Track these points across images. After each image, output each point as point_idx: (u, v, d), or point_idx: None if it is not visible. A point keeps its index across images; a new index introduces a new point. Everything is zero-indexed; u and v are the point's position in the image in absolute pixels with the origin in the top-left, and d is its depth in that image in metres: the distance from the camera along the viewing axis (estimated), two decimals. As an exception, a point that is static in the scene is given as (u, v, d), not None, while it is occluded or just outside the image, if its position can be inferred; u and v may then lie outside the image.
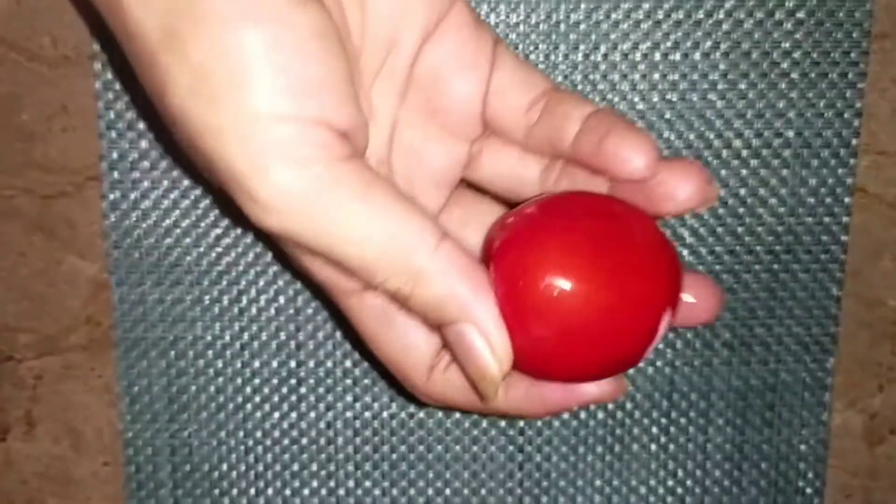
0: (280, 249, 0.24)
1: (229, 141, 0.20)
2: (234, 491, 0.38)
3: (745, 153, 0.36)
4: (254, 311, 0.37)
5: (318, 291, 0.35)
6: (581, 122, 0.25)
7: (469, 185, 0.29)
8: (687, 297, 0.25)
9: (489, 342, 0.22)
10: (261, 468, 0.38)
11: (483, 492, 0.39)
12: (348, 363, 0.37)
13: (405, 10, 0.23)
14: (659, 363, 0.38)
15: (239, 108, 0.19)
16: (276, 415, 0.38)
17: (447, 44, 0.24)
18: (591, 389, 0.25)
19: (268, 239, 0.29)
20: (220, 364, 0.37)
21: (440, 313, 0.22)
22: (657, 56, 0.36)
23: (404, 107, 0.25)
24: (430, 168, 0.26)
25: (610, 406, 0.38)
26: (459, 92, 0.25)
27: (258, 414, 0.37)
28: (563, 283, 0.22)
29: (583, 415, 0.38)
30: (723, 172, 0.37)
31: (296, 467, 0.38)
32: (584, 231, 0.23)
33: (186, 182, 0.36)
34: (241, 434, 0.38)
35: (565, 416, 0.38)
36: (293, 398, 0.38)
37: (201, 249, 0.36)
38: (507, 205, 0.28)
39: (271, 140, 0.19)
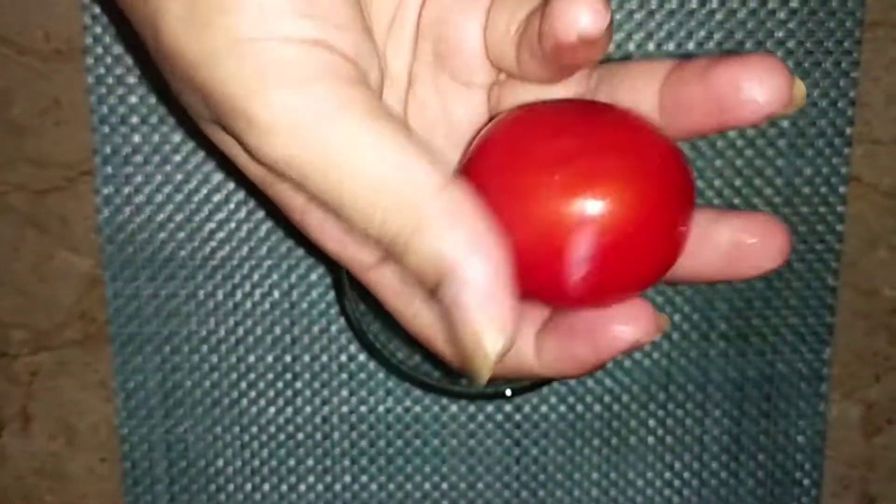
0: (293, 225, 0.23)
1: (225, 66, 0.19)
2: (231, 486, 0.38)
3: (739, 143, 0.36)
4: (249, 305, 0.37)
5: (319, 285, 0.35)
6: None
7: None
8: (747, 237, 0.22)
9: (489, 310, 0.18)
10: (257, 463, 0.38)
11: (480, 485, 0.39)
12: (343, 358, 0.37)
13: None
14: (655, 355, 0.38)
15: (234, 31, 0.18)
16: (272, 410, 0.37)
17: None
18: (625, 334, 0.22)
19: (278, 214, 0.26)
20: (215, 359, 0.37)
21: (437, 265, 0.19)
22: (651, 46, 0.36)
23: (416, 62, 0.24)
24: (448, 124, 0.24)
25: (606, 398, 0.38)
26: (463, 31, 0.23)
27: (254, 409, 0.37)
28: (572, 197, 0.20)
29: (579, 407, 0.38)
30: (717, 162, 0.36)
31: (292, 462, 0.38)
32: (585, 134, 0.20)
33: (180, 176, 0.36)
34: (237, 429, 0.37)
35: (561, 408, 0.38)
36: (289, 393, 0.37)
37: (195, 244, 0.36)
38: None
39: (270, 60, 0.18)
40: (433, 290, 0.19)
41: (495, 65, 0.24)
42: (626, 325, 0.22)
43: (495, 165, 0.21)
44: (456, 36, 0.23)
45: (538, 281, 0.21)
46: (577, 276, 0.20)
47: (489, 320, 0.18)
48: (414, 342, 0.24)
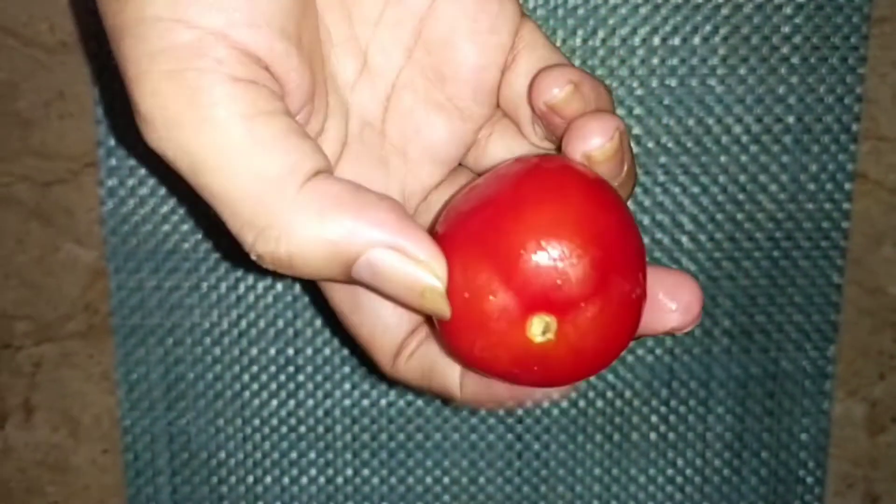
0: None
1: (126, 43, 0.18)
2: (233, 479, 0.38)
3: (744, 139, 0.36)
4: (251, 298, 0.37)
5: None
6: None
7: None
8: (666, 301, 0.21)
9: (407, 253, 0.18)
10: (259, 456, 0.38)
11: (481, 480, 0.38)
12: (346, 351, 0.37)
13: None
14: (658, 351, 0.38)
15: (145, 7, 0.18)
16: (274, 403, 0.37)
17: (464, 3, 0.22)
18: (539, 392, 0.22)
19: None
20: (217, 351, 0.37)
21: (337, 259, 0.18)
22: (656, 41, 0.35)
23: (409, 67, 0.23)
24: (427, 139, 0.23)
25: (609, 394, 0.38)
26: (473, 60, 0.22)
27: (256, 402, 0.37)
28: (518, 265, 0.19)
29: (581, 403, 0.38)
30: (722, 158, 0.36)
31: (294, 455, 0.38)
32: (540, 207, 0.20)
33: (183, 168, 0.36)
34: (239, 422, 0.38)
35: (564, 404, 0.38)
36: (291, 386, 0.37)
37: (199, 236, 0.36)
38: None
39: (164, 45, 0.18)
40: (348, 279, 0.19)
41: (503, 108, 0.23)
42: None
43: (462, 239, 0.20)
44: (464, 64, 0.22)
45: (482, 359, 0.21)
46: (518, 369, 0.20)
47: (414, 265, 0.18)
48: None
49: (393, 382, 0.23)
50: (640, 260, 0.21)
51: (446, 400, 0.24)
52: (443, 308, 0.19)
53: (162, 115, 0.18)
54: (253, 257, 0.19)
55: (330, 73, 0.22)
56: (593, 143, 0.21)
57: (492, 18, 0.22)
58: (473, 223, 0.20)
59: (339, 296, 0.23)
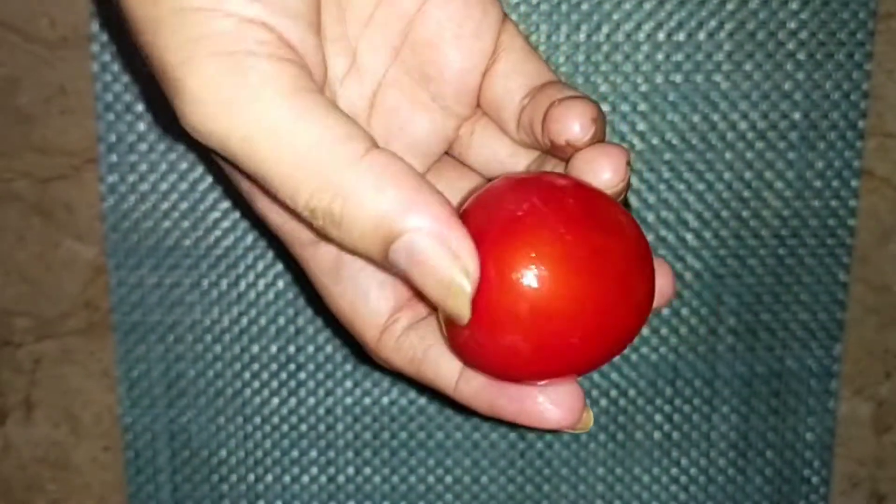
0: (249, 206, 0.23)
1: (165, 33, 0.19)
2: (233, 477, 0.38)
3: (750, 135, 0.36)
4: (252, 295, 0.36)
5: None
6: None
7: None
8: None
9: (449, 247, 0.19)
10: (259, 454, 0.38)
11: (484, 479, 0.38)
12: (348, 349, 0.37)
13: None
14: (662, 350, 0.37)
15: (179, 0, 0.19)
16: (275, 400, 0.37)
17: (450, 8, 0.23)
18: (551, 416, 0.22)
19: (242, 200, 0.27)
20: (218, 349, 0.37)
21: (381, 229, 0.19)
22: (661, 36, 0.35)
23: (396, 66, 0.24)
24: (410, 136, 0.24)
25: (613, 393, 0.38)
26: (457, 63, 0.23)
27: (257, 399, 0.37)
28: (537, 278, 0.19)
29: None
30: (727, 155, 0.36)
31: (295, 454, 0.38)
32: (556, 219, 0.20)
33: (185, 165, 0.35)
34: (240, 420, 0.37)
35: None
36: (292, 383, 0.37)
37: (199, 233, 0.36)
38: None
39: (208, 31, 0.19)
40: (382, 257, 0.19)
41: (484, 108, 0.24)
42: (554, 407, 0.22)
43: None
44: (448, 65, 0.23)
45: (481, 352, 0.21)
46: (522, 356, 0.20)
47: (451, 260, 0.19)
48: None
49: (376, 363, 0.24)
50: (643, 256, 0.21)
51: (435, 391, 0.24)
52: (465, 311, 0.19)
53: (214, 95, 0.19)
54: (304, 213, 0.19)
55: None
56: (604, 178, 0.22)
57: (475, 24, 0.23)
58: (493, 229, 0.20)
59: (321, 265, 0.23)
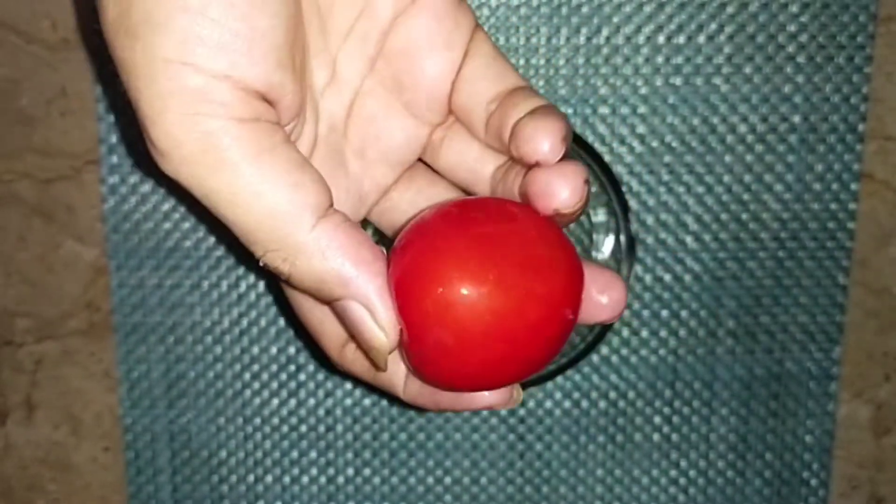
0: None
1: (139, 80, 0.20)
2: (233, 478, 0.38)
3: (749, 138, 0.36)
4: (252, 296, 0.37)
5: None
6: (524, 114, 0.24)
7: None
8: (600, 296, 0.24)
9: (374, 316, 0.22)
10: (259, 455, 0.38)
11: (483, 480, 0.38)
12: (348, 350, 0.37)
13: None
14: (662, 352, 0.37)
15: (152, 48, 0.20)
16: (275, 401, 0.37)
17: (423, 20, 0.24)
18: (483, 398, 0.25)
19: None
20: (218, 350, 0.37)
21: (323, 290, 0.22)
22: (661, 39, 0.35)
23: (372, 76, 0.25)
24: (385, 143, 0.25)
25: (612, 394, 0.38)
26: (429, 72, 0.24)
27: (257, 400, 0.37)
28: (458, 291, 0.22)
29: (584, 403, 0.38)
30: (727, 158, 0.36)
31: (295, 454, 0.38)
32: (480, 237, 0.22)
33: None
34: (241, 420, 0.37)
35: (566, 404, 0.38)
36: (292, 384, 0.37)
37: (200, 234, 0.36)
38: (463, 192, 0.27)
39: (174, 88, 0.20)
40: (328, 303, 0.23)
41: (455, 114, 0.25)
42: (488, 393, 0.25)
43: (413, 258, 0.23)
44: (421, 75, 0.24)
45: (418, 362, 0.23)
46: (448, 365, 0.23)
47: (378, 327, 0.22)
48: None
49: (341, 373, 0.26)
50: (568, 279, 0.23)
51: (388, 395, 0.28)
52: (382, 364, 0.23)
53: (178, 153, 0.20)
54: (260, 263, 0.22)
55: (307, 82, 0.24)
56: (563, 198, 0.23)
57: (447, 35, 0.24)
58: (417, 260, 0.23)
59: (292, 290, 0.25)
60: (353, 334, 0.23)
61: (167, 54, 0.20)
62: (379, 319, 0.22)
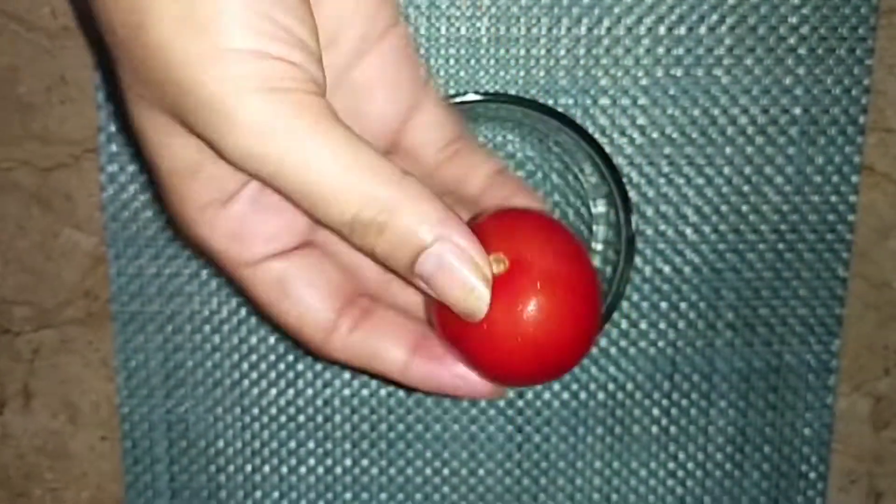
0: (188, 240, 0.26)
1: (212, 69, 0.21)
2: (231, 467, 0.38)
3: (750, 130, 0.36)
4: (251, 285, 0.37)
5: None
6: (488, 178, 0.28)
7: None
8: None
9: (470, 257, 0.22)
10: (257, 445, 0.38)
11: (481, 472, 0.38)
12: (346, 340, 0.37)
13: (347, 15, 0.25)
14: (661, 344, 0.37)
15: (223, 39, 0.21)
16: (273, 391, 0.37)
17: (382, 62, 0.26)
18: (480, 388, 0.26)
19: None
20: (217, 339, 0.37)
21: (413, 240, 0.22)
22: (661, 30, 0.35)
23: (335, 102, 0.26)
24: None
25: (610, 386, 0.38)
26: (382, 106, 0.26)
27: (255, 390, 0.37)
28: (535, 303, 0.23)
29: (583, 395, 0.38)
30: (727, 150, 0.36)
31: (293, 445, 0.38)
32: (531, 247, 0.24)
33: (184, 155, 0.35)
34: (238, 410, 0.37)
35: (565, 396, 0.38)
36: (290, 375, 0.37)
37: (199, 223, 0.36)
38: None
39: (249, 70, 0.21)
40: (408, 262, 0.22)
41: (401, 156, 0.27)
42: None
43: None
44: (375, 107, 0.26)
45: (468, 350, 0.24)
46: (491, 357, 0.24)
47: (474, 269, 0.22)
48: None
49: (323, 359, 0.26)
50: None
51: (380, 378, 0.28)
52: (482, 308, 0.23)
53: (260, 124, 0.21)
54: (341, 228, 0.22)
55: None
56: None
57: (403, 78, 0.26)
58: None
59: (266, 284, 0.25)
60: (447, 286, 0.22)
61: (235, 44, 0.21)
62: (476, 258, 0.22)
